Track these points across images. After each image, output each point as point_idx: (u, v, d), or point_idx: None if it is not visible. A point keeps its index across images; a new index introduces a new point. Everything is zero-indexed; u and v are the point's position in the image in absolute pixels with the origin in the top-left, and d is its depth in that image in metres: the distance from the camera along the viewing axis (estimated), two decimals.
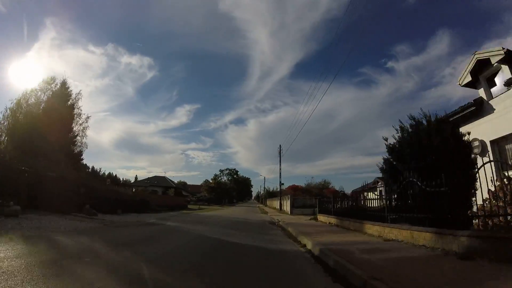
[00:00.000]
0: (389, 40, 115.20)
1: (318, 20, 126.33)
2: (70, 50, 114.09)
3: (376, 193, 18.15)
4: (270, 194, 74.43)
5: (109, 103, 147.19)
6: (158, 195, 35.51)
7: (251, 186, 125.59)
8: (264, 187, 79.53)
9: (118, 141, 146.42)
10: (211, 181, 72.30)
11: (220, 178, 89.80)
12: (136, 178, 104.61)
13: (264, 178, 77.47)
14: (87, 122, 23.45)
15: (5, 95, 76.94)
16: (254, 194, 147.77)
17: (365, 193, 13.31)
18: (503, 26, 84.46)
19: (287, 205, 32.74)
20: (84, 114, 23.30)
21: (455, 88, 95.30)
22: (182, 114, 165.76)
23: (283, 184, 35.89)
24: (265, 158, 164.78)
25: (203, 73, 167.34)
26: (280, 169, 36.49)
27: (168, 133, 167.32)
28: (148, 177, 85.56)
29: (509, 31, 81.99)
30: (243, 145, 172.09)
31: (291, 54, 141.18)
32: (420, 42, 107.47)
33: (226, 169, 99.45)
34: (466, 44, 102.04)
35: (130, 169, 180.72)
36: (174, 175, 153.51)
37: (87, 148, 23.58)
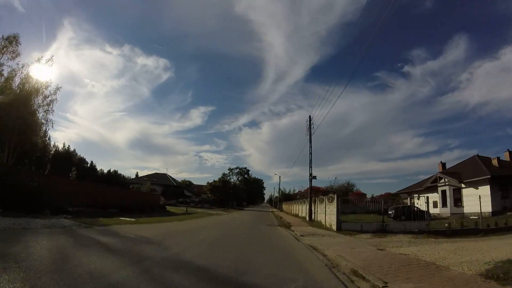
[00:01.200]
0: (405, 45, 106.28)
1: (334, 23, 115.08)
2: (87, 50, 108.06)
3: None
4: (287, 197, 60.07)
5: (125, 103, 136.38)
6: (107, 187, 22.24)
7: (264, 188, 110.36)
8: (279, 188, 65.00)
9: (132, 141, 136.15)
10: (216, 180, 58.78)
11: (228, 177, 76.66)
12: (137, 175, 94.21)
13: (280, 178, 63.02)
14: (55, 94, 19.61)
15: None
16: (266, 197, 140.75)
17: None
18: None
19: (323, 213, 18.50)
20: (51, 83, 19.01)
21: (472, 93, 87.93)
22: (196, 116, 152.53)
23: (314, 177, 21.65)
24: (278, 162, 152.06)
25: (217, 75, 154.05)
26: (310, 153, 22.36)
27: (182, 135, 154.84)
28: (147, 174, 73.95)
29: None
30: (257, 148, 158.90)
31: (306, 57, 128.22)
32: (437, 47, 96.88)
33: (236, 168, 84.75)
34: (483, 49, 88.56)
35: (144, 169, 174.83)
36: (188, 177, 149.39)
37: (52, 126, 19.97)
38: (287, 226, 17.37)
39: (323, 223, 17.52)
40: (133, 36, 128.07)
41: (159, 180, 68.04)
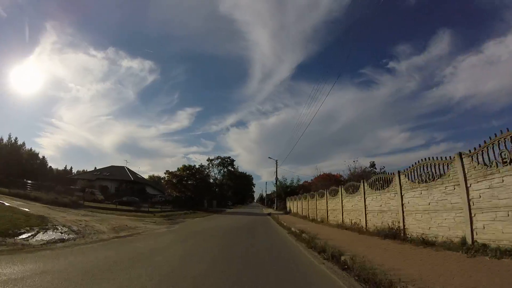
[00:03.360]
0: (390, 41, 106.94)
1: (319, 21, 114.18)
2: (71, 54, 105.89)
3: None
4: (288, 191, 41.13)
5: (110, 107, 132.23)
6: None
7: (253, 185, 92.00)
8: (276, 178, 44.11)
9: (119, 145, 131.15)
10: (180, 168, 38.48)
11: (207, 170, 58.30)
12: (95, 169, 76.15)
13: (276, 163, 43.30)
14: None
15: (8, 98, 74.31)
16: (256, 196, 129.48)
17: None
18: (503, 24, 75.35)
19: None
20: None
21: (457, 87, 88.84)
22: (183, 118, 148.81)
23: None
24: (267, 161, 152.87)
25: (203, 75, 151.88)
26: None
27: (169, 137, 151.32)
28: (98, 168, 55.35)
29: (510, 29, 74.34)
30: (245, 148, 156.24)
31: (292, 55, 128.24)
32: (421, 42, 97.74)
33: (217, 158, 65.33)
34: (467, 43, 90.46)
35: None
36: None
37: None
38: None
39: None
40: (117, 38, 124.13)
41: (114, 174, 49.76)
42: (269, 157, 46.61)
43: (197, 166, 45.95)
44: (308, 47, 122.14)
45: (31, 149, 45.09)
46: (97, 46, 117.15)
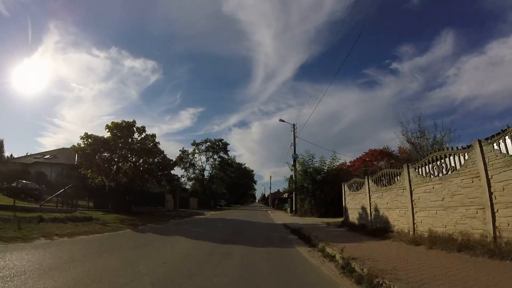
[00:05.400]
0: (393, 41, 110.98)
1: (323, 22, 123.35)
2: (74, 53, 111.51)
3: None
4: (318, 180, 20.86)
5: (113, 106, 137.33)
6: None
7: (254, 182, 74.21)
8: (294, 153, 25.23)
9: None
10: (111, 125, 18.80)
11: (191, 158, 42.36)
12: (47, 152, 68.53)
13: (294, 127, 26.41)
14: None
15: (11, 97, 71.16)
16: (258, 196, 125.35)
17: None
18: (506, 25, 73.71)
19: None
20: None
21: (460, 88, 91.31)
22: (186, 118, 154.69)
23: None
24: (269, 161, 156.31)
25: (206, 75, 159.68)
26: None
27: (172, 137, 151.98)
28: (48, 150, 44.58)
29: None
30: (247, 148, 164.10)
31: (295, 56, 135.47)
32: (424, 43, 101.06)
33: (206, 141, 48.48)
34: (470, 44, 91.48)
35: None
36: None
37: None
38: None
39: None
40: (120, 38, 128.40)
41: (59, 158, 37.95)
42: (280, 119, 28.64)
43: (181, 152, 28.16)
44: (311, 48, 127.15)
45: None
46: (100, 45, 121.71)
